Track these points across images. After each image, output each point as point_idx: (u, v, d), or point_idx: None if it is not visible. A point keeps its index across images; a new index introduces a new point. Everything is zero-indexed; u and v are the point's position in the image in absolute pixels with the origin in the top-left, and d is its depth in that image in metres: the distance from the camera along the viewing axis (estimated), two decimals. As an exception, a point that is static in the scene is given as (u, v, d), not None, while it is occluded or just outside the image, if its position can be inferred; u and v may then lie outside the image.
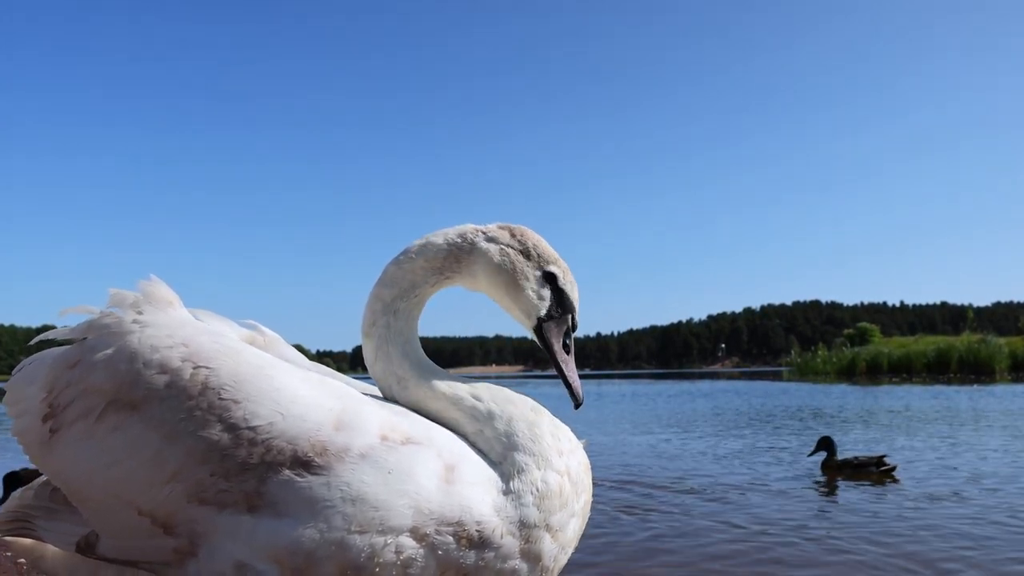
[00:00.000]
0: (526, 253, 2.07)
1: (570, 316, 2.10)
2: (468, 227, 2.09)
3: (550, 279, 2.07)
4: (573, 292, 2.10)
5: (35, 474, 6.59)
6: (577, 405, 2.07)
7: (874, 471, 8.34)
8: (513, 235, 2.08)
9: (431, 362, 2.08)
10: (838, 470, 8.45)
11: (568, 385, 2.06)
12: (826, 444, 8.71)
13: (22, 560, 4.48)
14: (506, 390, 2.02)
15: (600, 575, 4.66)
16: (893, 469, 8.42)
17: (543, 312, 2.07)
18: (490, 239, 2.06)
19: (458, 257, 2.07)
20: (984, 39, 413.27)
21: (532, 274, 2.06)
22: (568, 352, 2.09)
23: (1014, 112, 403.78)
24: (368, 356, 2.05)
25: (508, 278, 2.05)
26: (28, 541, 2.07)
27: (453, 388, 1.99)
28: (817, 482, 8.09)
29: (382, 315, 2.04)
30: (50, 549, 2.02)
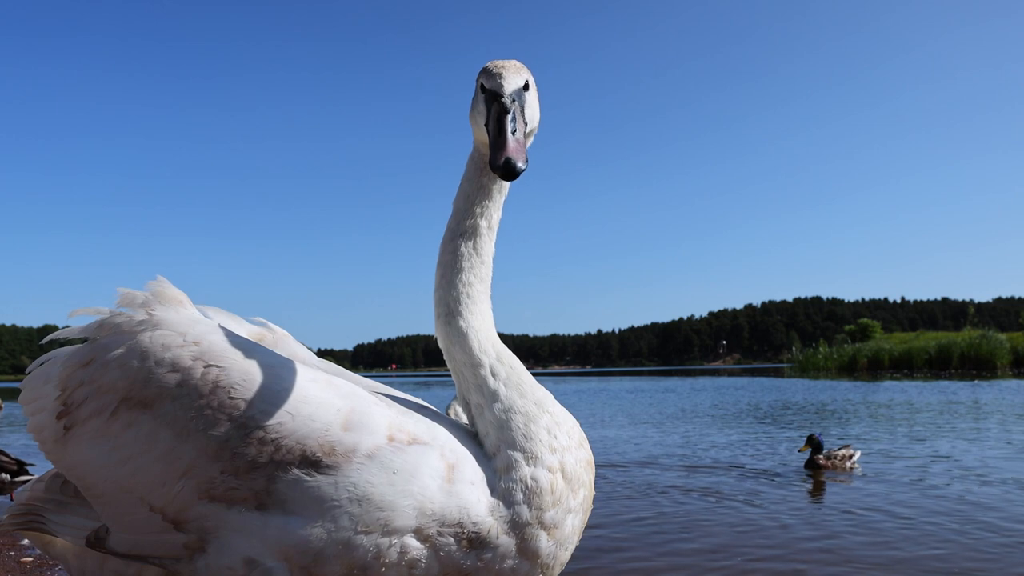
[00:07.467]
0: (479, 86, 2.01)
1: (493, 101, 1.90)
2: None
3: (480, 88, 2.00)
4: (483, 76, 1.98)
5: None
6: (493, 167, 1.75)
7: (849, 465, 8.54)
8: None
9: (488, 310, 2.08)
10: (821, 467, 8.59)
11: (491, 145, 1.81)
12: (812, 441, 8.84)
13: (26, 559, 4.55)
14: (525, 376, 2.01)
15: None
16: (853, 457, 8.67)
17: (483, 121, 1.95)
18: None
19: (475, 142, 2.10)
20: (986, 39, 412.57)
21: (477, 93, 2.02)
22: (505, 127, 1.82)
23: (1014, 109, 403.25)
24: (435, 280, 2.07)
25: (473, 123, 2.05)
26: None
27: (482, 350, 1.99)
28: (802, 478, 8.16)
29: (451, 241, 2.06)
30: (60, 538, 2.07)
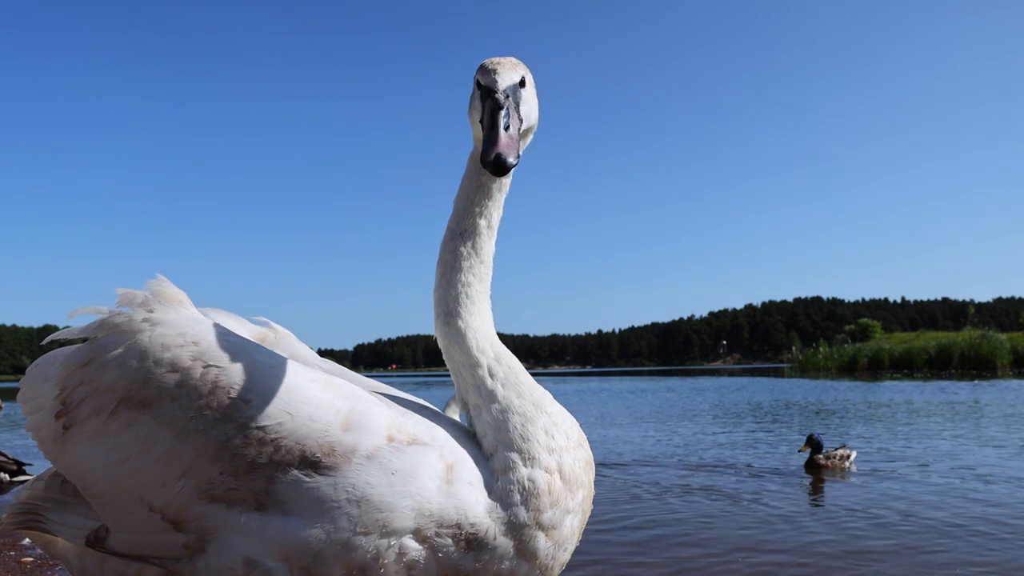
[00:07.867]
0: (476, 83, 2.01)
1: (487, 97, 1.90)
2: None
3: (476, 85, 2.00)
4: (479, 73, 1.98)
5: None
6: (483, 163, 1.73)
7: (847, 465, 8.59)
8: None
9: (487, 310, 2.07)
10: (821, 467, 8.60)
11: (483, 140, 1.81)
12: (812, 442, 8.85)
13: (26, 559, 4.55)
14: (523, 377, 1.99)
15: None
16: (850, 457, 8.75)
17: (479, 117, 1.95)
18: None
19: (474, 153, 2.08)
20: (986, 31, 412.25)
21: (474, 90, 2.02)
22: (498, 123, 1.80)
23: (1016, 102, 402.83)
24: (435, 280, 2.07)
25: (472, 122, 2.04)
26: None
27: (480, 350, 1.98)
28: (803, 477, 8.17)
29: (450, 240, 2.06)
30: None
